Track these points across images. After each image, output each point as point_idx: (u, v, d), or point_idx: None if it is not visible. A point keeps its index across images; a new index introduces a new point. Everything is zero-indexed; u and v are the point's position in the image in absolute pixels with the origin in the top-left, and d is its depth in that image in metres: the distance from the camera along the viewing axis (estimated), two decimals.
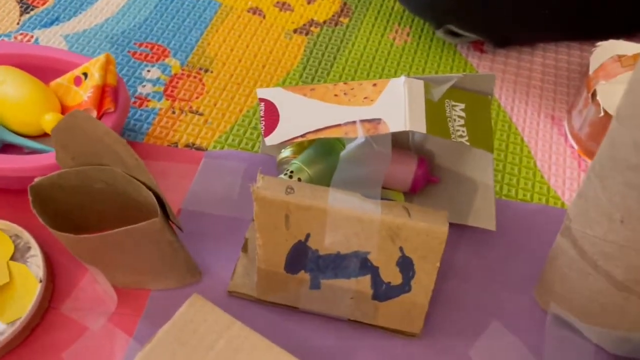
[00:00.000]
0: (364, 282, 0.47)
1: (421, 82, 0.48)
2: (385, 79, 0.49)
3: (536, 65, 0.72)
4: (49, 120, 0.55)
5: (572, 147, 0.63)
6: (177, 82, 0.67)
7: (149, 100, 0.65)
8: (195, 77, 0.68)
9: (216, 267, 0.52)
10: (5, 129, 0.55)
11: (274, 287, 0.49)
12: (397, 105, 0.47)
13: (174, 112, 0.64)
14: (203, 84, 0.67)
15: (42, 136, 0.57)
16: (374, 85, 0.49)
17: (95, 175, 0.48)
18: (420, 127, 0.46)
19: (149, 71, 0.68)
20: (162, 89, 0.67)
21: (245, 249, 0.53)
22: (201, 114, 0.64)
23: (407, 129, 0.46)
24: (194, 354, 0.40)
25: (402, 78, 0.48)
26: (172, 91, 0.66)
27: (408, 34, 0.75)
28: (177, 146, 0.61)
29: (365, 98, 0.49)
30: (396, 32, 0.75)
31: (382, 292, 0.47)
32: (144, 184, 0.47)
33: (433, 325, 0.50)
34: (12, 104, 0.55)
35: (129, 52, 0.70)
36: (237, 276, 0.51)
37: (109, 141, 0.45)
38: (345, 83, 0.51)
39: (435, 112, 0.48)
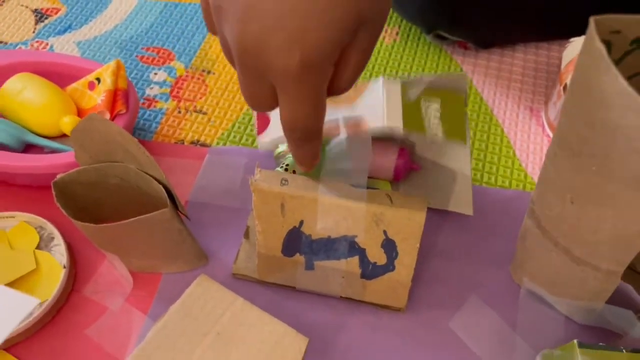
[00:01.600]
0: (353, 263, 0.52)
1: (398, 82, 0.53)
2: (366, 81, 0.54)
3: (517, 60, 0.77)
4: (67, 122, 0.60)
5: (549, 136, 0.68)
6: (182, 84, 0.73)
7: (156, 101, 0.71)
8: (198, 78, 0.73)
9: (221, 252, 0.58)
10: (27, 131, 0.61)
11: (272, 269, 0.54)
12: (376, 104, 0.52)
13: (179, 112, 0.70)
14: (206, 85, 0.73)
15: (61, 137, 0.63)
16: (355, 86, 0.54)
17: (111, 171, 0.54)
18: (397, 123, 0.51)
19: (155, 74, 0.74)
20: (168, 90, 0.72)
21: (247, 235, 0.59)
22: (205, 113, 0.70)
23: (385, 126, 0.51)
24: (202, 326, 0.45)
25: (381, 79, 0.53)
26: (177, 92, 0.72)
27: (397, 33, 0.80)
28: (183, 143, 0.67)
29: (347, 98, 0.54)
30: (385, 31, 0.80)
31: (369, 271, 0.52)
32: (154, 178, 0.52)
33: (417, 300, 0.55)
34: (33, 108, 0.61)
35: (137, 56, 0.75)
36: (240, 260, 0.57)
37: (122, 140, 0.51)
38: None
39: (411, 110, 0.53)
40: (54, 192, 0.52)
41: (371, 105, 0.52)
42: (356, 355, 0.52)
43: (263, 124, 0.56)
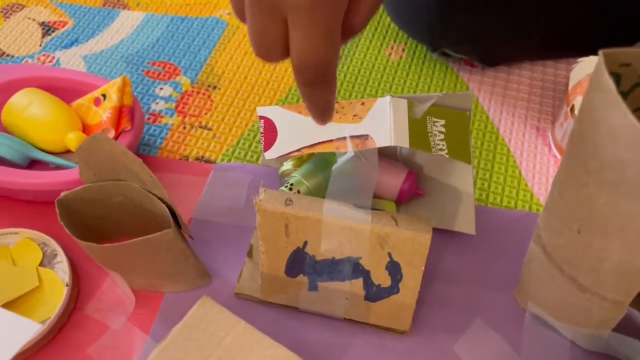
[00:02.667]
0: (357, 285, 0.52)
1: (405, 101, 0.53)
2: (373, 98, 0.54)
3: (524, 78, 0.77)
4: (72, 138, 0.60)
5: (555, 156, 0.68)
6: (187, 99, 0.73)
7: (162, 117, 0.71)
8: (204, 94, 0.73)
9: (224, 271, 0.58)
10: (32, 147, 0.61)
11: (276, 289, 0.54)
12: (383, 122, 0.52)
13: (184, 128, 0.70)
14: (211, 101, 0.73)
15: (66, 153, 0.63)
16: (362, 104, 0.54)
17: (115, 189, 0.54)
18: (404, 142, 0.51)
19: (161, 89, 0.74)
20: (173, 105, 0.72)
21: (250, 254, 0.58)
22: (210, 129, 0.70)
23: (392, 144, 0.51)
24: (204, 349, 0.45)
25: (388, 97, 0.53)
26: (183, 107, 0.72)
27: (403, 50, 0.80)
28: (188, 159, 0.67)
29: (354, 116, 0.54)
30: (392, 48, 0.80)
31: (373, 293, 0.52)
32: (158, 197, 0.52)
33: (421, 322, 0.54)
34: (39, 123, 0.61)
35: (143, 70, 0.76)
36: (243, 279, 0.57)
37: (126, 160, 0.51)
38: (336, 102, 0.56)
39: (417, 128, 0.53)
40: (57, 211, 0.52)
41: (378, 123, 0.52)
42: None
43: (270, 140, 0.56)
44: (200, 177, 0.65)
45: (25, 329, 0.36)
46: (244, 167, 0.66)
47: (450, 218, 0.59)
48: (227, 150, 0.68)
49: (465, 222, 0.58)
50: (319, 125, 0.43)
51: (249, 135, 0.69)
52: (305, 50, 0.33)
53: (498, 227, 0.61)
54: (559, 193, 0.41)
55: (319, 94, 0.37)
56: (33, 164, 0.62)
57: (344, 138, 0.53)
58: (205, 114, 0.71)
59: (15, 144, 0.60)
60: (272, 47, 0.35)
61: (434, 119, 0.54)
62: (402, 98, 0.53)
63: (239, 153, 0.68)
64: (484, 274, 0.58)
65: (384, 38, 0.81)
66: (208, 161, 0.67)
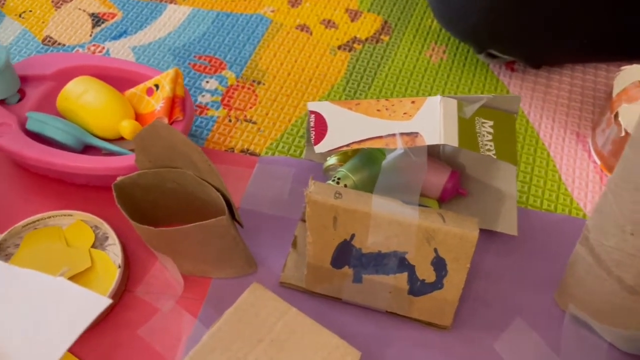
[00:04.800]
0: (401, 279, 0.53)
1: (455, 101, 0.54)
2: (423, 97, 0.55)
3: (564, 84, 0.77)
4: (126, 126, 0.62)
5: (595, 162, 0.68)
6: (232, 93, 0.75)
7: (208, 109, 0.73)
8: (248, 88, 0.75)
9: (269, 260, 0.59)
10: (87, 133, 0.63)
11: (320, 280, 0.55)
12: (433, 121, 0.53)
13: (230, 121, 0.72)
14: (256, 95, 0.74)
15: (118, 139, 0.65)
16: (413, 102, 0.56)
17: (169, 176, 0.56)
18: (453, 141, 0.52)
19: (207, 82, 0.76)
20: (219, 98, 0.74)
21: (294, 245, 0.60)
22: (254, 123, 0.71)
23: (442, 143, 0.52)
24: (256, 333, 0.46)
25: (438, 97, 0.54)
26: (228, 101, 0.74)
27: (444, 52, 0.81)
28: (233, 151, 0.68)
29: (404, 113, 0.55)
30: (433, 49, 0.81)
31: (417, 288, 0.53)
32: (212, 185, 0.54)
33: (462, 319, 0.55)
34: (93, 110, 0.63)
35: (189, 64, 0.78)
36: (288, 269, 0.58)
37: (184, 148, 0.52)
38: (386, 99, 0.57)
39: (466, 128, 0.54)
40: (114, 194, 0.54)
41: (428, 122, 0.53)
42: None
43: (320, 134, 0.57)
44: (245, 169, 0.66)
45: (97, 303, 0.38)
46: (287, 161, 0.67)
47: (492, 218, 0.59)
48: (271, 143, 0.69)
49: (507, 223, 0.59)
50: None
51: (292, 130, 0.71)
52: None
53: (538, 229, 0.62)
54: (613, 195, 0.41)
55: None
56: (86, 149, 0.64)
57: (394, 135, 0.54)
58: (250, 107, 0.73)
59: (71, 129, 0.62)
60: None
61: (483, 120, 0.55)
62: (452, 98, 0.54)
63: (283, 147, 0.69)
64: (524, 275, 0.59)
65: (425, 40, 0.82)
66: (253, 154, 0.68)
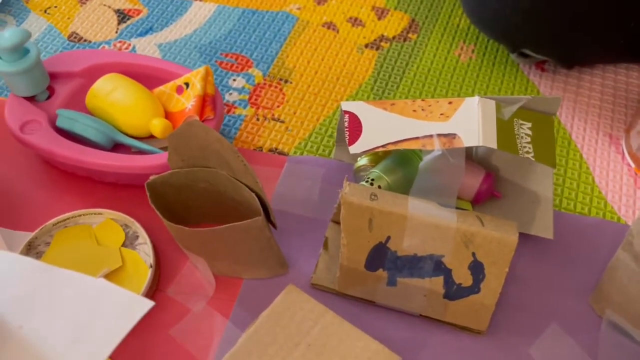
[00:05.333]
0: (437, 282, 0.52)
1: (493, 102, 0.53)
2: (461, 97, 0.54)
3: (595, 85, 0.76)
4: (157, 124, 0.61)
5: (629, 165, 0.67)
6: (260, 91, 0.74)
7: (235, 107, 0.72)
8: (276, 87, 0.75)
9: (299, 261, 0.59)
10: (117, 131, 0.63)
11: (354, 282, 0.55)
12: (471, 122, 0.52)
13: (257, 119, 0.71)
14: (283, 94, 0.74)
15: (148, 138, 0.64)
16: (450, 103, 0.55)
17: (202, 176, 0.55)
18: (492, 143, 0.51)
19: (234, 80, 0.75)
20: (246, 97, 0.73)
21: (326, 246, 0.59)
22: (282, 122, 0.71)
23: (481, 145, 0.51)
24: (293, 337, 0.46)
25: (477, 98, 0.53)
26: (255, 99, 0.73)
27: (473, 51, 0.80)
28: (261, 150, 0.68)
29: (441, 114, 0.54)
30: (461, 48, 0.80)
31: (453, 292, 0.52)
32: (246, 185, 0.53)
33: (497, 324, 0.55)
34: (123, 108, 0.62)
35: (216, 61, 0.77)
36: (319, 271, 0.57)
37: (219, 147, 0.52)
38: (423, 100, 0.56)
39: (505, 130, 0.53)
40: (148, 193, 0.54)
41: (466, 123, 0.52)
42: None
43: (355, 135, 0.56)
44: (274, 168, 0.66)
45: (140, 305, 0.38)
46: (316, 161, 0.67)
47: (527, 221, 0.59)
48: (300, 143, 0.69)
49: (542, 226, 0.58)
50: None
51: (320, 129, 0.70)
52: None
53: (572, 233, 0.61)
54: None
55: None
56: (115, 147, 0.64)
57: (431, 136, 0.53)
58: (278, 106, 0.72)
59: (101, 127, 0.61)
60: None
61: (521, 122, 0.54)
62: (490, 99, 0.53)
63: (311, 146, 0.69)
64: (559, 280, 0.58)
65: (453, 38, 0.81)
66: (281, 153, 0.68)
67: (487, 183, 0.59)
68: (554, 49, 0.73)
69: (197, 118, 0.61)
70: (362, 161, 0.62)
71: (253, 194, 0.52)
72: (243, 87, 0.74)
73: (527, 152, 0.53)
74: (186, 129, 0.51)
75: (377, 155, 0.62)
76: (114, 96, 0.63)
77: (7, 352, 0.36)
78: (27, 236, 0.58)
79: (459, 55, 0.79)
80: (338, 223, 0.60)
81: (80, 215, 0.59)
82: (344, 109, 0.58)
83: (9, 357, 0.35)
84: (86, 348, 0.36)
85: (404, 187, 0.58)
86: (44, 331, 0.37)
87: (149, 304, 0.38)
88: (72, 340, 0.36)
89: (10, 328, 0.37)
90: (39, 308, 0.38)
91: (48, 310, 0.38)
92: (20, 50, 0.60)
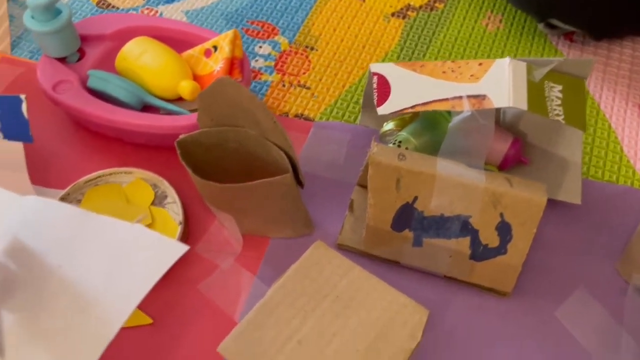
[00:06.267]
0: (463, 243, 0.52)
1: (524, 64, 0.53)
2: (491, 59, 0.54)
3: (625, 56, 0.75)
4: (185, 86, 0.62)
5: None
6: (286, 58, 0.74)
7: (261, 74, 0.72)
8: (302, 54, 0.75)
9: (325, 222, 0.59)
10: (147, 92, 0.64)
11: (380, 243, 0.55)
12: (502, 83, 0.52)
13: (284, 85, 0.71)
14: (309, 61, 0.74)
15: (176, 100, 0.65)
16: (480, 64, 0.54)
17: (231, 135, 0.56)
18: (522, 104, 0.51)
19: (260, 47, 0.75)
20: (272, 64, 0.73)
21: (351, 208, 0.59)
22: (308, 88, 0.71)
23: (511, 106, 0.51)
24: (321, 289, 0.47)
25: (507, 59, 0.53)
26: (281, 66, 0.73)
27: (500, 21, 0.79)
28: (287, 116, 0.68)
29: (471, 76, 0.54)
30: (489, 18, 0.79)
31: (480, 253, 0.52)
32: (275, 144, 0.53)
33: (522, 287, 0.55)
34: (152, 70, 0.63)
35: (242, 29, 0.77)
36: (345, 231, 0.58)
37: (250, 106, 0.52)
38: (452, 61, 0.56)
39: (535, 92, 0.53)
40: (178, 151, 0.55)
41: (496, 84, 0.52)
42: (462, 335, 0.52)
43: (383, 96, 0.56)
44: (300, 134, 0.66)
45: (175, 249, 0.39)
46: (342, 126, 0.67)
47: (554, 187, 0.58)
48: (325, 109, 0.69)
49: (571, 192, 0.57)
50: None
51: (346, 96, 0.70)
52: None
53: (599, 200, 0.61)
54: None
55: None
56: (144, 109, 0.65)
57: (460, 97, 0.53)
58: (304, 73, 0.73)
59: (132, 88, 0.62)
60: None
61: (552, 84, 0.54)
62: (522, 61, 0.53)
63: (337, 112, 0.69)
64: (585, 245, 0.58)
65: (481, 8, 0.80)
66: (307, 119, 0.68)
67: (514, 148, 0.58)
68: (582, 19, 0.72)
69: None
70: (389, 126, 0.62)
71: (282, 154, 0.53)
72: (269, 54, 0.74)
73: (557, 115, 0.53)
74: (217, 86, 0.52)
75: (404, 120, 0.62)
76: (144, 59, 0.63)
77: (48, 287, 0.37)
78: (59, 193, 0.59)
79: (486, 25, 0.78)
80: (364, 186, 0.61)
81: (110, 174, 0.60)
82: (372, 70, 0.58)
83: (50, 292, 0.36)
84: (123, 288, 0.37)
85: (430, 150, 0.58)
86: (82, 272, 0.38)
87: (183, 247, 0.39)
88: (109, 281, 0.37)
89: (51, 266, 0.38)
90: (77, 250, 0.39)
91: (86, 253, 0.39)
92: (52, 10, 0.61)
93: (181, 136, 0.55)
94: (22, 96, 0.52)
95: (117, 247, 0.39)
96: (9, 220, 0.40)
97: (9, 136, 0.54)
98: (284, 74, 0.72)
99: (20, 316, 0.35)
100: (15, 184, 0.56)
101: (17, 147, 0.54)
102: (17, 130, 0.54)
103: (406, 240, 0.54)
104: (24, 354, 0.34)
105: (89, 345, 0.34)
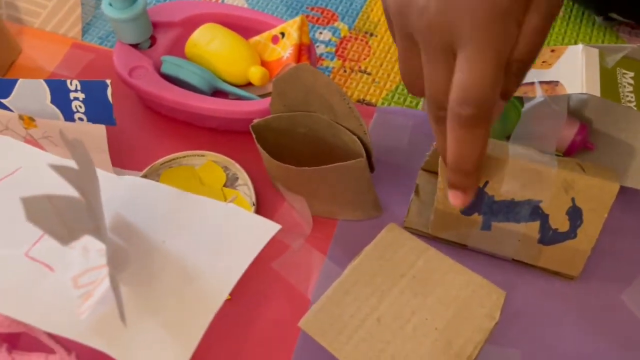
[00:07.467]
0: (533, 227, 0.53)
1: (597, 50, 0.54)
2: (563, 46, 0.54)
3: None
4: (255, 72, 0.64)
5: None
6: (346, 44, 0.75)
7: (323, 60, 0.74)
8: (362, 40, 0.76)
9: (391, 206, 0.61)
10: (217, 78, 0.66)
11: (447, 226, 0.57)
12: (574, 69, 0.53)
13: (345, 71, 0.73)
14: (369, 47, 0.75)
15: (245, 85, 0.67)
16: (552, 51, 0.55)
17: (303, 120, 0.57)
18: (595, 90, 0.52)
19: (321, 33, 0.77)
20: (333, 50, 0.75)
21: (417, 192, 0.61)
22: (369, 74, 0.72)
23: (584, 92, 0.51)
24: (398, 268, 0.48)
25: (580, 46, 0.53)
26: (342, 52, 0.75)
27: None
28: None
29: (543, 62, 0.55)
30: None
31: (549, 237, 0.53)
32: (348, 129, 0.55)
33: (588, 270, 0.56)
34: (222, 57, 0.65)
35: (302, 15, 0.79)
36: (412, 215, 0.60)
37: (324, 91, 0.54)
38: None
39: (608, 78, 0.53)
40: (253, 135, 0.57)
41: (569, 70, 0.53)
42: (528, 319, 0.53)
43: None
44: (363, 119, 0.67)
45: (268, 228, 0.41)
46: (405, 112, 0.68)
47: (621, 173, 0.59)
48: (387, 94, 0.70)
49: (638, 178, 0.58)
50: (454, 204, 0.45)
51: None
52: (471, 82, 0.35)
53: None
54: None
55: (477, 134, 0.38)
56: (213, 94, 0.67)
57: (532, 83, 0.54)
58: (364, 59, 0.74)
59: (204, 74, 0.64)
60: (435, 83, 0.37)
61: (624, 71, 0.54)
62: (594, 47, 0.53)
63: (398, 98, 0.70)
64: None
65: None
66: (369, 104, 0.69)
67: (582, 134, 0.59)
68: (639, 12, 0.71)
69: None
70: None
71: (354, 137, 0.55)
72: (329, 40, 0.76)
73: (629, 102, 0.53)
74: (294, 72, 0.54)
75: None
76: (213, 45, 0.66)
77: (155, 261, 0.39)
78: (137, 174, 0.62)
79: None
80: (428, 171, 0.62)
81: (184, 157, 0.63)
82: None
83: (157, 266, 0.39)
84: (225, 263, 0.39)
85: (498, 139, 0.59)
86: (185, 247, 0.40)
87: (276, 226, 0.41)
88: (212, 255, 0.40)
89: (155, 241, 0.40)
90: (178, 227, 0.41)
91: (186, 229, 0.41)
92: None
93: (255, 121, 0.57)
94: (108, 81, 0.54)
95: (215, 225, 0.41)
96: (110, 199, 0.43)
97: (93, 119, 0.57)
98: (344, 60, 0.74)
99: (133, 288, 0.38)
100: (98, 166, 0.59)
101: (100, 130, 0.57)
102: (102, 114, 0.56)
103: (475, 224, 0.55)
104: (141, 322, 0.36)
105: (198, 315, 0.36)
